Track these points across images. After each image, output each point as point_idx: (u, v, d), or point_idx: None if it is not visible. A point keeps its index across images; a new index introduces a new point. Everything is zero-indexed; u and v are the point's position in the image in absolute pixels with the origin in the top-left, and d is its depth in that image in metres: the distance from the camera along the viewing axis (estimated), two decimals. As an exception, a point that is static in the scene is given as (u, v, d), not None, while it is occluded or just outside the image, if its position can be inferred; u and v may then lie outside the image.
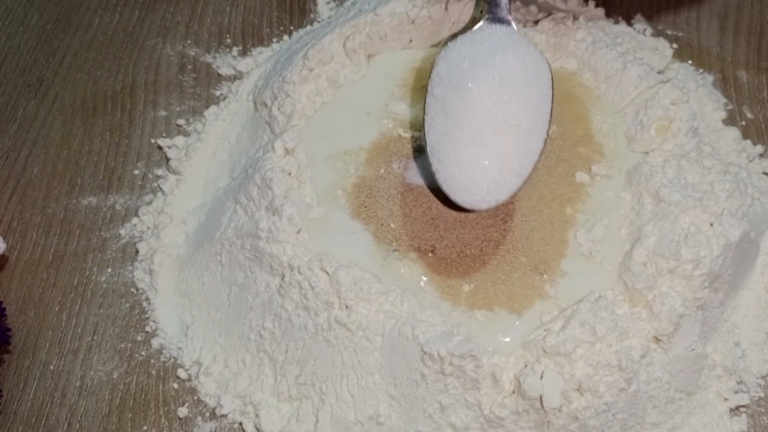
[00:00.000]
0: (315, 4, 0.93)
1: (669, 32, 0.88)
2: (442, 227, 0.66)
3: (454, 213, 0.66)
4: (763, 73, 0.86)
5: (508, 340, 0.61)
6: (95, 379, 0.67)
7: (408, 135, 0.71)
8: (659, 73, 0.77)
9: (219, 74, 0.87)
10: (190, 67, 0.88)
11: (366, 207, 0.67)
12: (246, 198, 0.69)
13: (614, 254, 0.65)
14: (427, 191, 0.68)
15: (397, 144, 0.71)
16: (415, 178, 0.69)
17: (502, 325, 0.62)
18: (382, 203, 0.67)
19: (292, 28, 0.91)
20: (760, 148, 0.78)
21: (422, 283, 0.64)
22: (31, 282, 0.73)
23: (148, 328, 0.70)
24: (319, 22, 0.91)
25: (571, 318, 0.60)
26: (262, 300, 0.66)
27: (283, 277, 0.64)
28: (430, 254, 0.65)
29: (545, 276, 0.64)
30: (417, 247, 0.65)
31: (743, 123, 0.82)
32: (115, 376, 0.68)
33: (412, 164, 0.69)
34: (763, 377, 0.67)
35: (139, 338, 0.70)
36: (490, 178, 0.64)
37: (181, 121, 0.83)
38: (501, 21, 0.70)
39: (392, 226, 0.66)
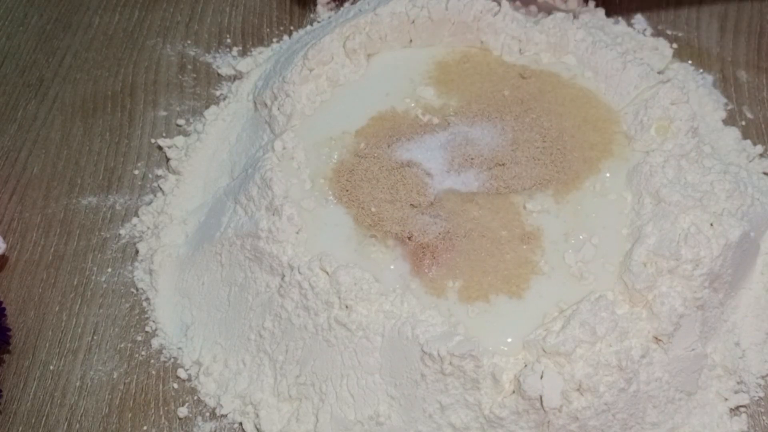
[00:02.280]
0: (315, 4, 0.93)
1: (669, 32, 0.88)
2: (425, 209, 0.66)
3: (437, 191, 0.67)
4: (763, 73, 0.86)
5: (510, 340, 0.61)
6: (95, 379, 0.67)
7: (426, 118, 0.72)
8: (659, 73, 0.77)
9: (219, 74, 0.87)
10: (190, 67, 0.88)
11: (347, 191, 0.67)
12: (246, 198, 0.69)
13: (614, 254, 0.64)
14: (415, 171, 0.68)
15: (402, 121, 0.71)
16: (408, 155, 0.69)
17: (500, 313, 0.62)
18: (364, 185, 0.67)
19: (292, 28, 0.91)
20: (760, 148, 0.78)
21: (392, 266, 0.64)
22: (31, 282, 0.73)
23: (148, 328, 0.70)
24: (319, 22, 0.91)
25: (571, 318, 0.60)
26: (262, 300, 0.66)
27: (283, 277, 0.64)
28: (407, 240, 0.65)
29: (526, 246, 0.64)
30: (395, 234, 0.65)
31: (743, 123, 0.82)
32: (115, 376, 0.68)
33: (411, 144, 0.70)
34: (763, 377, 0.67)
35: (139, 338, 0.70)
36: None
37: (181, 121, 0.83)
38: None
39: (373, 210, 0.66)
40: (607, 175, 0.68)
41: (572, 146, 0.70)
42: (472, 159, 0.69)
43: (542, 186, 0.68)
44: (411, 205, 0.66)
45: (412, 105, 0.73)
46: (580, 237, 0.65)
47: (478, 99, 0.73)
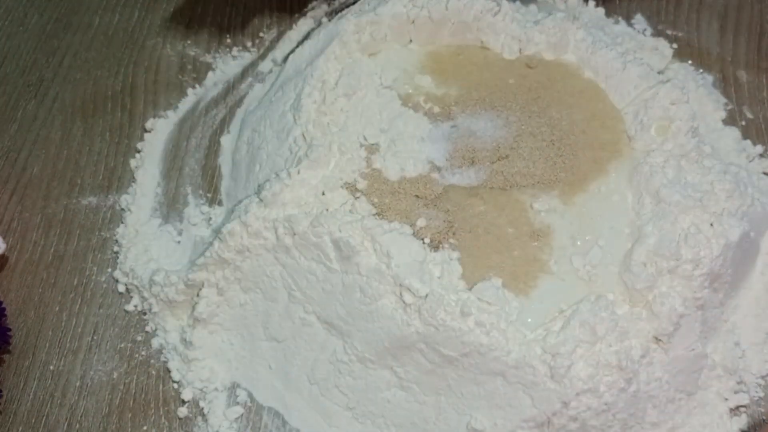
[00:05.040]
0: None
1: (669, 32, 0.88)
2: (429, 201, 0.66)
3: (441, 184, 0.67)
4: (763, 73, 0.86)
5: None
6: (95, 379, 0.67)
7: (426, 106, 0.71)
8: (659, 73, 0.77)
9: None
10: (190, 67, 0.88)
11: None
12: (246, 198, 0.69)
13: (617, 255, 0.64)
14: (422, 163, 0.68)
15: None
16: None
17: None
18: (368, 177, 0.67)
19: (293, 26, 0.91)
20: (760, 148, 0.78)
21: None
22: (31, 282, 0.73)
23: (148, 328, 0.70)
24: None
25: (571, 318, 0.60)
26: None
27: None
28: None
29: (536, 243, 0.64)
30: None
31: (743, 123, 0.82)
32: (115, 376, 0.68)
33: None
34: (763, 377, 0.67)
35: (139, 338, 0.70)
36: None
37: (181, 121, 0.83)
38: None
39: (375, 200, 0.66)
40: (613, 175, 0.68)
41: (584, 144, 0.69)
42: (475, 151, 0.69)
43: (548, 186, 0.67)
44: (416, 196, 0.66)
45: (411, 92, 0.73)
46: (587, 238, 0.65)
47: (478, 87, 0.73)
